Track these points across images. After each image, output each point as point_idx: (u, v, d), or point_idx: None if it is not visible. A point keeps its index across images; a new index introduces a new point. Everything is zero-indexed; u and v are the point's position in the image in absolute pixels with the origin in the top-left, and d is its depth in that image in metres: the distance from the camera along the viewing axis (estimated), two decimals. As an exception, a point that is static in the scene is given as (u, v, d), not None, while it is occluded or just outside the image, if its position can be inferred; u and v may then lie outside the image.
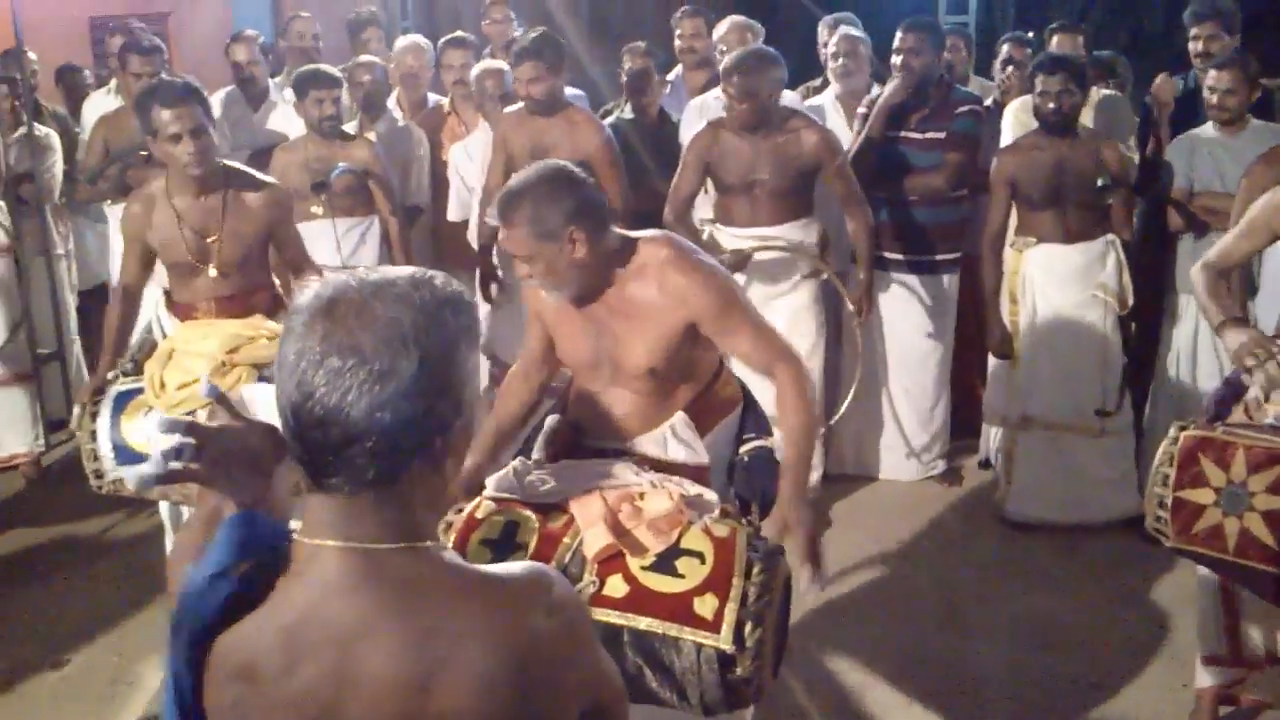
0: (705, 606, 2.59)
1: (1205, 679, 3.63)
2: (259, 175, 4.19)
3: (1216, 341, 4.50)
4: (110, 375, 3.85)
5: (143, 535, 4.98)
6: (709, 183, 5.07)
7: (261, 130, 6.17)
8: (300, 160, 5.31)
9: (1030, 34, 6.40)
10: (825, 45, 6.10)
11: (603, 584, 2.63)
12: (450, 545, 2.71)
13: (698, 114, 5.51)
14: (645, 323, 2.90)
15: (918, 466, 5.54)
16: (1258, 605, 3.37)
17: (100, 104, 6.04)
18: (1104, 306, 4.87)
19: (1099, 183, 4.81)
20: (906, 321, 5.39)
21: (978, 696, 3.93)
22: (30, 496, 5.63)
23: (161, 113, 3.80)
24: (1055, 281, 4.90)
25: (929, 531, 5.08)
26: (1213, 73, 4.78)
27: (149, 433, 3.60)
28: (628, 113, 5.80)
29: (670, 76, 6.18)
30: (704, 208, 5.19)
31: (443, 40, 6.09)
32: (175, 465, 1.50)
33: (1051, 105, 4.78)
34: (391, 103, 6.13)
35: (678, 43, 6.19)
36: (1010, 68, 5.98)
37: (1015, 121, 5.48)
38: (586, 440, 3.09)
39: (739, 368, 3.41)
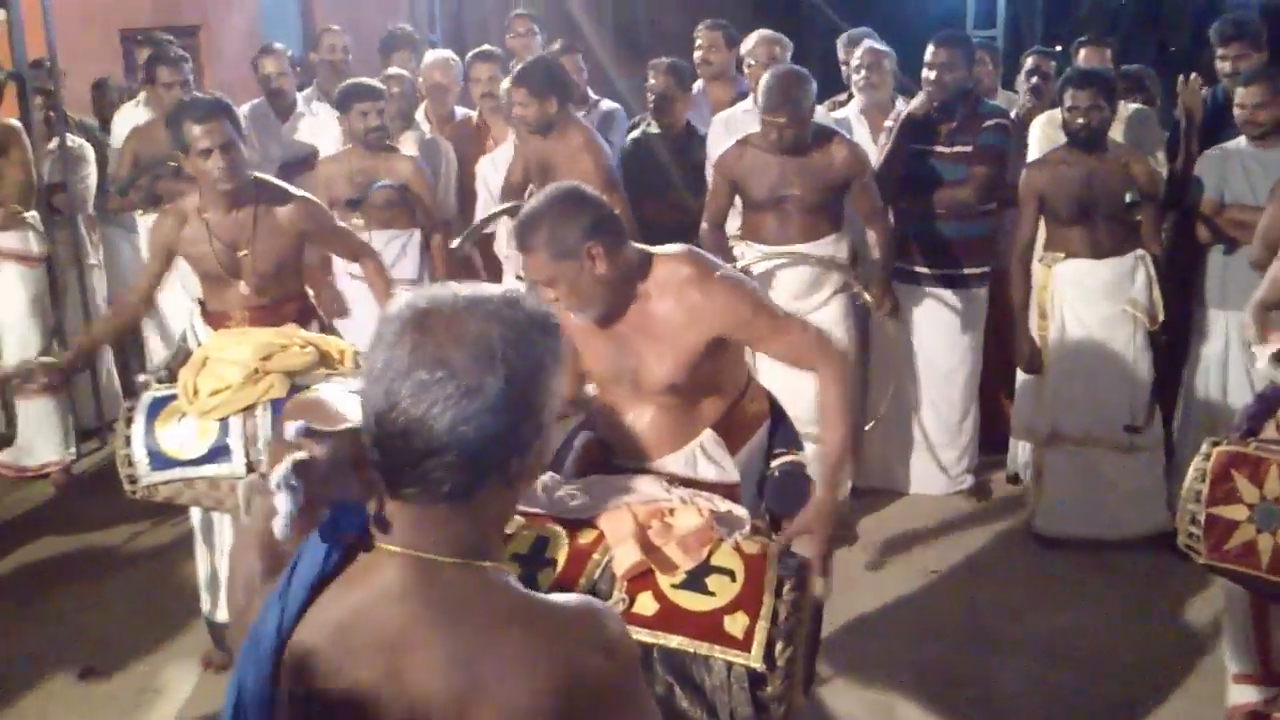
0: (736, 625, 2.58)
1: (1237, 697, 3.61)
2: (289, 188, 4.22)
3: (1246, 356, 4.47)
4: (141, 380, 3.89)
5: (173, 543, 5.00)
6: (737, 200, 5.07)
7: (290, 142, 6.20)
8: (345, 171, 5.37)
9: (1058, 48, 6.39)
10: (844, 62, 6.11)
11: (632, 601, 2.61)
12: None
13: (724, 128, 5.51)
14: (667, 339, 2.90)
15: (946, 481, 5.52)
16: (1290, 623, 3.35)
17: (131, 116, 6.09)
18: (1133, 321, 4.84)
19: (1128, 198, 4.79)
20: (935, 336, 5.38)
21: (1006, 714, 3.92)
22: (61, 505, 5.66)
23: (192, 128, 3.86)
24: (1084, 297, 4.87)
25: (957, 547, 5.05)
26: (1241, 89, 4.76)
27: (182, 440, 3.63)
28: (653, 127, 5.81)
29: (696, 88, 6.18)
30: (732, 222, 5.19)
31: (471, 54, 6.12)
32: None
33: (1080, 120, 4.76)
34: (419, 116, 6.16)
35: (697, 55, 6.20)
36: (1035, 79, 5.97)
37: (1041, 136, 5.46)
38: (616, 459, 3.09)
39: (766, 379, 3.42)
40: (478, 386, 1.36)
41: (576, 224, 2.77)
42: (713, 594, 2.61)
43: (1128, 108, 5.52)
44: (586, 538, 2.76)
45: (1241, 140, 4.85)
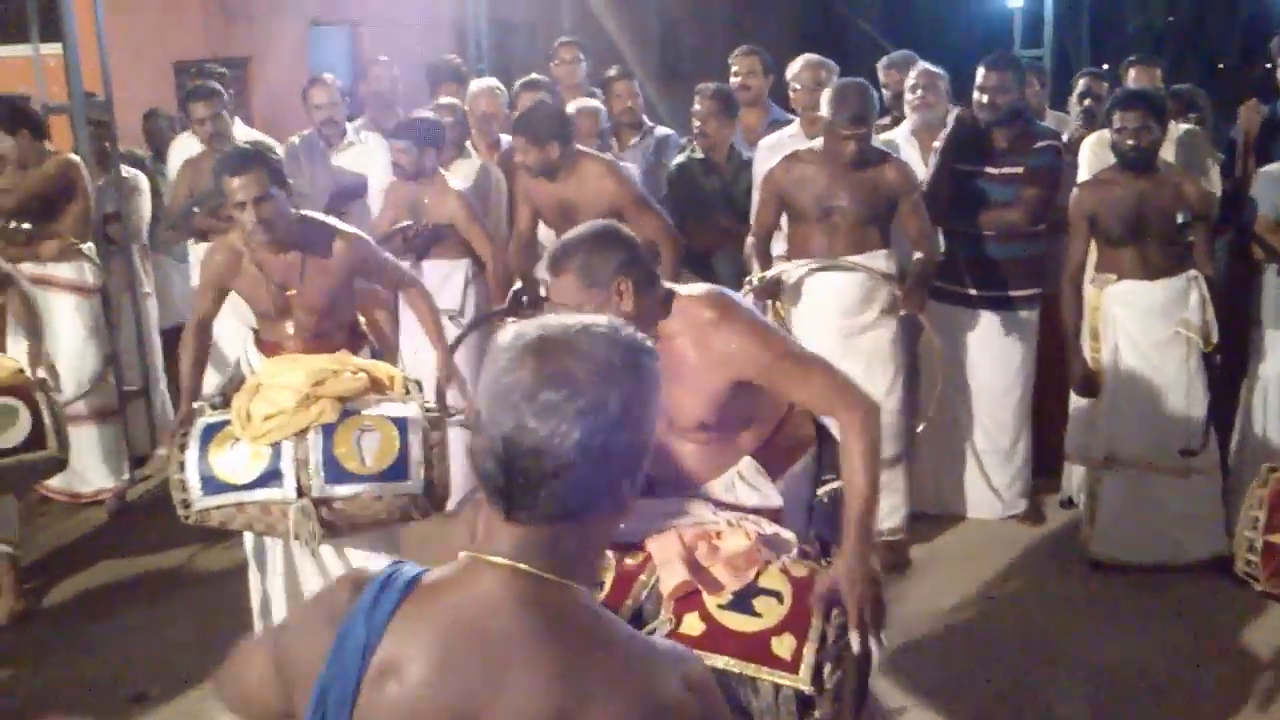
0: (783, 646, 2.56)
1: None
2: (336, 225, 4.23)
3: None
4: (195, 406, 3.94)
5: (226, 569, 5.03)
6: (783, 223, 5.06)
7: (340, 172, 6.27)
8: (404, 201, 5.47)
9: (1104, 67, 6.35)
10: (885, 85, 6.11)
11: (679, 622, 2.60)
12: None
13: (770, 153, 5.50)
14: (691, 380, 2.87)
15: (999, 505, 5.46)
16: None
17: (185, 147, 6.19)
18: (1187, 343, 4.78)
19: (1179, 218, 4.74)
20: (986, 358, 5.34)
21: (1061, 740, 3.86)
22: (114, 531, 5.71)
23: (229, 181, 3.90)
24: (1137, 318, 4.82)
25: (1011, 571, 5.00)
26: None
27: (234, 465, 3.67)
28: (698, 153, 5.82)
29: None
30: (778, 246, 5.18)
31: (518, 83, 6.16)
32: None
33: (1130, 142, 4.72)
34: (469, 143, 6.22)
35: (734, 80, 6.21)
36: (1087, 101, 5.93)
37: (1091, 157, 5.42)
38: (657, 490, 3.08)
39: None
40: (603, 403, 1.40)
41: (610, 257, 2.78)
42: (760, 615, 2.59)
43: (1178, 128, 5.47)
44: (633, 560, 2.75)
45: (1299, 157, 4.79)
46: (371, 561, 3.92)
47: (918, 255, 4.94)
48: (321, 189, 6.17)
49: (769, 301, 4.96)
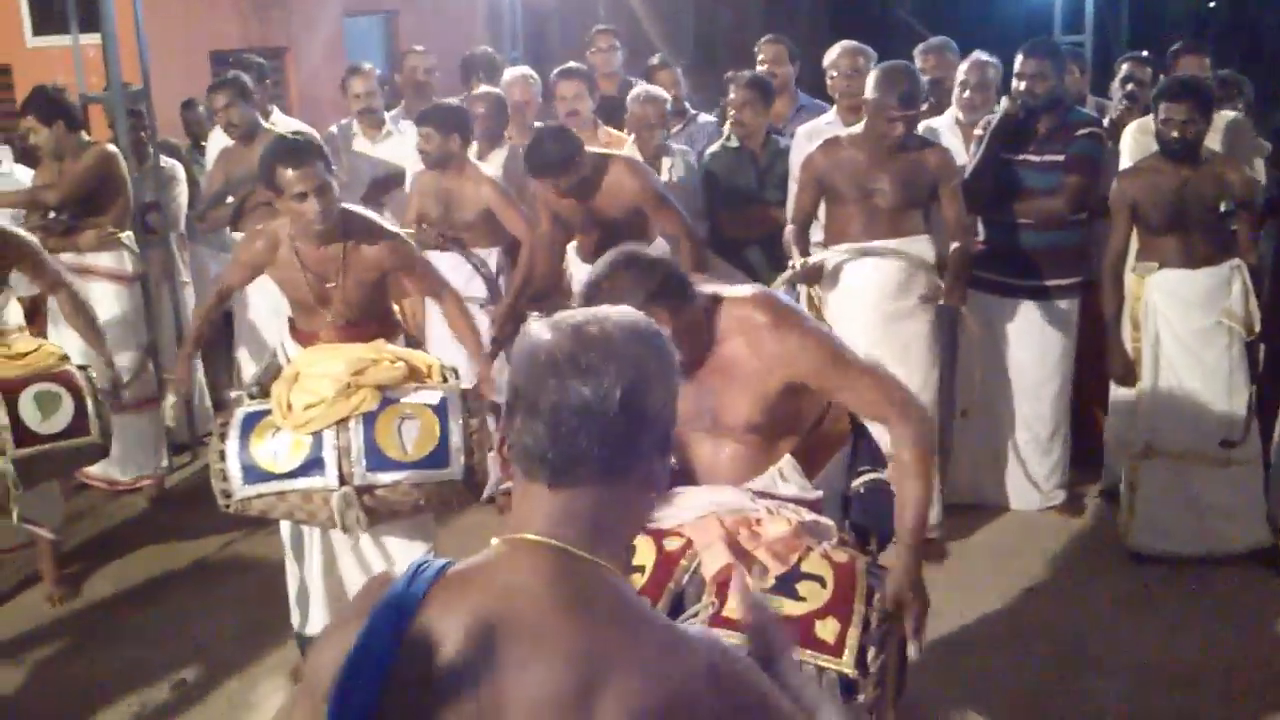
0: (827, 630, 2.56)
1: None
2: (379, 223, 4.24)
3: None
4: (234, 395, 3.95)
5: (264, 557, 5.07)
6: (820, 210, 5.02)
7: (378, 162, 6.29)
8: (432, 186, 5.44)
9: (1145, 52, 6.27)
10: (922, 72, 6.05)
11: (722, 605, 2.59)
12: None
13: (806, 140, 5.47)
14: (742, 382, 2.86)
15: (1037, 496, 5.42)
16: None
17: (222, 137, 6.22)
18: (1230, 332, 4.72)
19: (1222, 207, 4.68)
20: (1025, 348, 5.29)
21: (1101, 732, 3.83)
22: (153, 518, 5.76)
23: (286, 172, 3.87)
24: (1179, 307, 4.77)
25: (1049, 563, 4.96)
26: None
27: (276, 453, 3.68)
28: (733, 140, 5.79)
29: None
30: (814, 236, 5.15)
31: (555, 71, 6.14)
32: None
33: (1175, 134, 4.66)
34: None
35: (760, 69, 6.18)
36: (1130, 86, 5.86)
37: (1133, 144, 5.35)
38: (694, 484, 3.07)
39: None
40: (638, 362, 1.49)
41: (637, 291, 2.67)
42: (803, 599, 2.59)
43: (1223, 116, 5.38)
44: (673, 544, 2.75)
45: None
46: (408, 550, 3.94)
47: (955, 245, 4.90)
48: (359, 179, 6.20)
49: (806, 288, 4.93)
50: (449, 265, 5.11)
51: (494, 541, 1.54)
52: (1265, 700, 3.94)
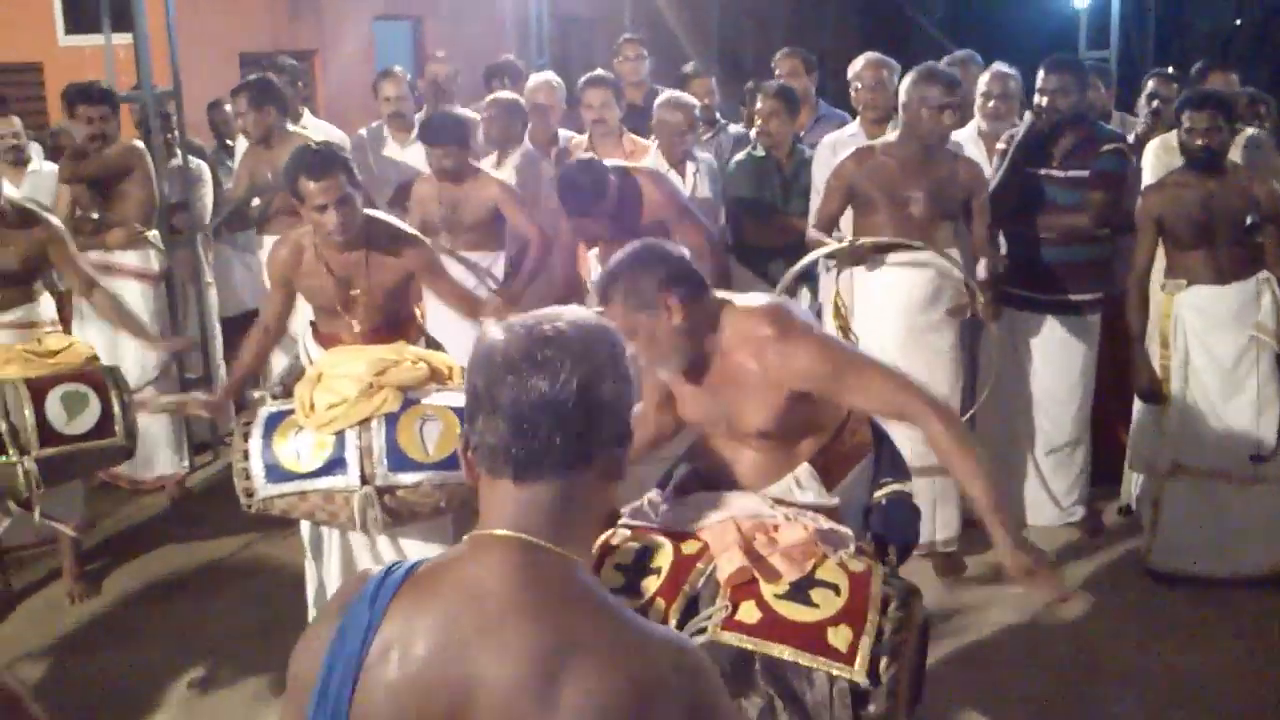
0: (839, 638, 2.55)
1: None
2: (402, 227, 4.27)
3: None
4: (256, 395, 3.98)
5: (283, 556, 5.09)
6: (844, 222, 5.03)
7: (405, 166, 6.33)
8: (434, 194, 5.47)
9: (1170, 69, 6.26)
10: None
11: (736, 608, 2.60)
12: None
13: (830, 152, 5.48)
14: (753, 391, 2.89)
15: (1057, 512, 5.39)
16: None
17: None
18: (1261, 347, 4.69)
19: (1248, 220, 4.66)
20: (1046, 363, 5.28)
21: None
22: (175, 517, 5.80)
23: (307, 184, 3.89)
24: (1209, 325, 4.73)
25: (1068, 579, 4.92)
26: None
27: (299, 453, 3.70)
28: (759, 149, 5.81)
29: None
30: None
31: (583, 79, 6.17)
32: None
33: (1199, 142, 4.65)
34: (527, 137, 6.26)
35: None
36: (1155, 103, 5.85)
37: (1156, 160, 5.33)
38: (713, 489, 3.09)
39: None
40: (592, 355, 1.54)
41: (652, 275, 2.83)
42: (817, 606, 2.59)
43: (1243, 133, 5.38)
44: (690, 548, 2.76)
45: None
46: (424, 552, 3.95)
47: (983, 261, 4.91)
48: (387, 182, 6.24)
49: (834, 297, 4.94)
50: (456, 274, 5.14)
51: (465, 538, 1.59)
52: (1280, 720, 3.92)
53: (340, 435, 3.65)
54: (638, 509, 2.95)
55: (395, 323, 4.24)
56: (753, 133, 5.96)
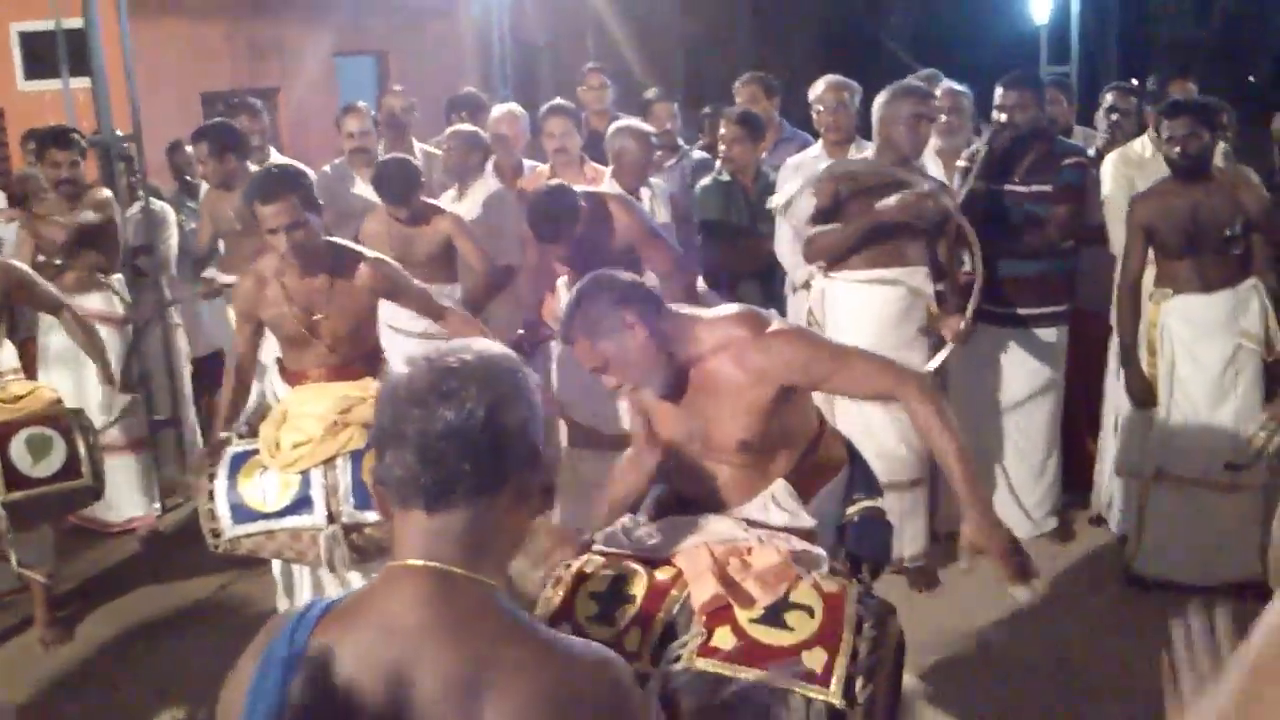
0: (814, 660, 2.55)
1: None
2: (363, 251, 4.26)
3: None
4: (224, 436, 3.96)
5: (257, 596, 5.05)
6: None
7: (370, 201, 6.31)
8: (384, 230, 5.44)
9: (1134, 81, 6.32)
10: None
11: (710, 635, 2.61)
12: (559, 598, 2.74)
13: (794, 173, 5.50)
14: (731, 399, 2.89)
15: (1029, 524, 5.39)
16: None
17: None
18: (1247, 354, 4.69)
19: (1226, 232, 4.64)
20: (1015, 375, 5.30)
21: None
22: (147, 559, 5.73)
23: (261, 208, 3.90)
24: (1196, 333, 4.73)
25: (1042, 590, 4.93)
26: None
27: (264, 492, 3.69)
28: (724, 174, 5.83)
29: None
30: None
31: (544, 109, 6.18)
32: None
33: (1178, 149, 4.64)
34: (491, 168, 6.26)
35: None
36: (1114, 116, 5.90)
37: (1115, 172, 5.33)
38: (689, 510, 3.08)
39: (843, 425, 3.38)
40: (497, 383, 1.56)
41: (602, 301, 2.85)
42: (791, 629, 2.60)
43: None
44: (665, 574, 2.76)
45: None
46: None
47: (957, 283, 4.91)
48: (355, 215, 6.22)
49: (807, 314, 4.95)
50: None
51: (380, 571, 1.60)
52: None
53: (305, 474, 3.64)
54: (611, 534, 2.95)
55: (361, 355, 4.21)
56: (719, 162, 5.98)
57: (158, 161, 7.17)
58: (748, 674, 2.53)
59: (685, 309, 3.01)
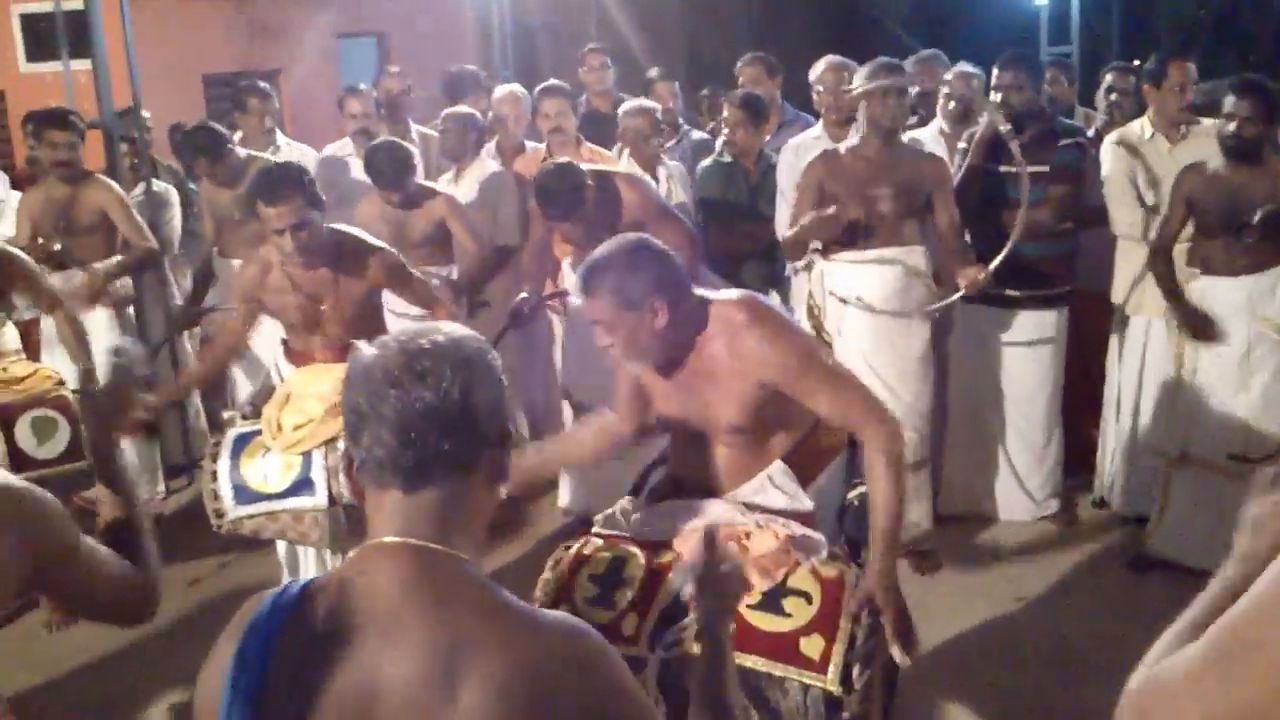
0: (812, 647, 2.57)
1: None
2: (368, 240, 4.26)
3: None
4: (226, 416, 3.97)
5: (261, 578, 5.04)
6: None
7: (369, 184, 6.30)
8: (378, 214, 5.45)
9: (1135, 62, 6.29)
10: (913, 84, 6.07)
11: None
12: (558, 580, 2.75)
13: (794, 155, 5.49)
14: (724, 383, 2.87)
15: (1031, 506, 5.42)
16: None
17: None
18: (1271, 346, 4.65)
19: (1244, 220, 4.60)
20: (1016, 358, 5.30)
21: (1096, 742, 3.83)
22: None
23: (264, 209, 3.92)
24: (1221, 316, 4.69)
25: (1043, 573, 4.96)
26: None
27: (266, 474, 3.70)
28: (725, 157, 5.82)
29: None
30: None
31: (538, 89, 6.18)
32: None
33: (1231, 128, 4.57)
34: (492, 148, 6.25)
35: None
36: (1114, 96, 5.88)
37: (1112, 154, 5.30)
38: (686, 492, 3.08)
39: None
40: (469, 362, 1.58)
41: (644, 276, 2.74)
42: (789, 615, 2.61)
43: (1205, 125, 5.37)
44: (663, 558, 2.76)
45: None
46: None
47: (950, 256, 4.91)
48: (355, 198, 6.22)
49: (807, 301, 4.95)
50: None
51: (354, 550, 1.62)
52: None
53: (307, 456, 3.66)
54: (610, 517, 2.96)
55: (369, 333, 4.21)
56: (719, 142, 5.98)
57: (160, 144, 7.16)
58: (745, 660, 2.53)
59: (699, 291, 2.98)
